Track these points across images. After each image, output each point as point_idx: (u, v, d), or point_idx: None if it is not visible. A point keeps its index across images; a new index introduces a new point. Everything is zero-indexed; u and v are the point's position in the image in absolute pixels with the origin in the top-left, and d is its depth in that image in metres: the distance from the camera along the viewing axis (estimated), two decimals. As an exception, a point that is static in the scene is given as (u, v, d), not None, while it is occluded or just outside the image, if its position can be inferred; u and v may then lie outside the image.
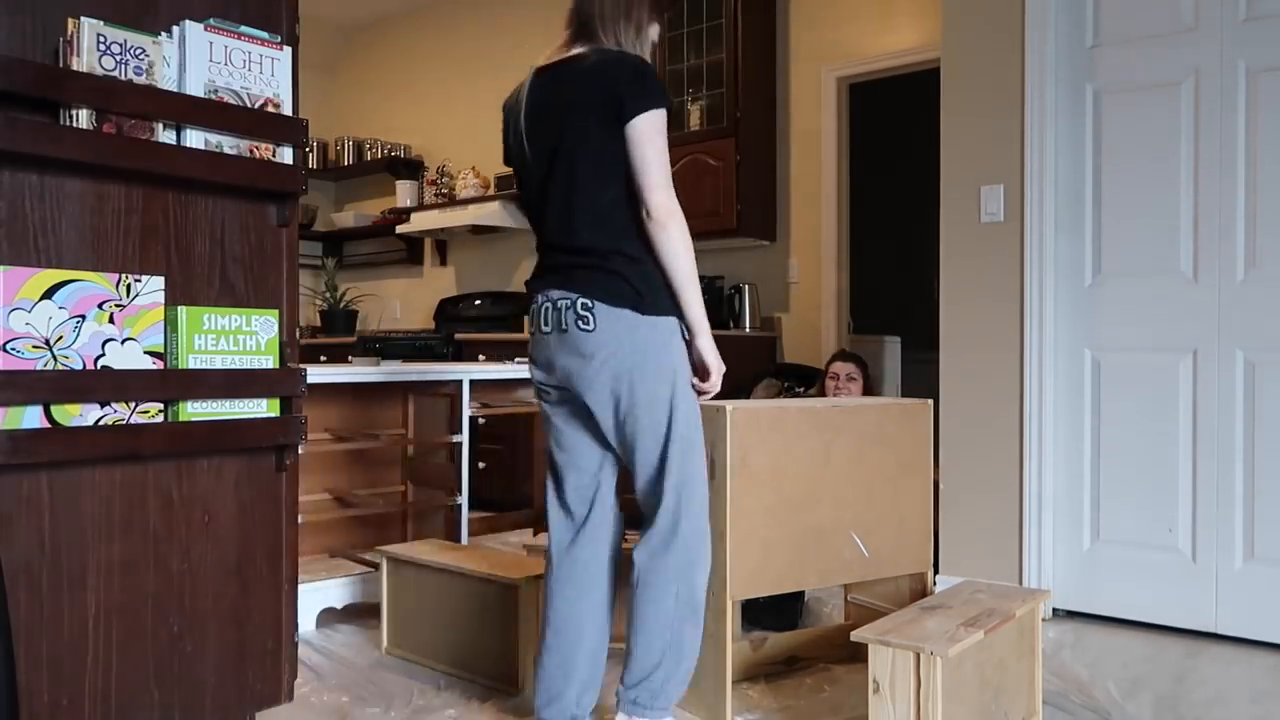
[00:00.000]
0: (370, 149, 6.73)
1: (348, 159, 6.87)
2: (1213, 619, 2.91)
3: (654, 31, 2.17)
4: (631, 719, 2.08)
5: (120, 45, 1.76)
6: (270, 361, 1.96)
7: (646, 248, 2.02)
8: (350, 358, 4.67)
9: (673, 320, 2.04)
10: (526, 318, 2.33)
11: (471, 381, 3.46)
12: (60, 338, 1.68)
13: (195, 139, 1.84)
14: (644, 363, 2.00)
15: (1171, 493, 2.97)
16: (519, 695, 2.45)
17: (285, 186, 1.98)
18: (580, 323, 2.02)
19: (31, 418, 1.64)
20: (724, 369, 2.14)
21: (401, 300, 6.78)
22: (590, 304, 2.01)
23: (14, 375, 1.61)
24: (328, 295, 6.59)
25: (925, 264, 4.50)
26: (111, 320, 1.74)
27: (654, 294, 2.01)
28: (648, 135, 1.99)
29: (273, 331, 1.96)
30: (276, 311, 1.98)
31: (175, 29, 1.85)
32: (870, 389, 4.10)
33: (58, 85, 1.68)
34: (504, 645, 2.51)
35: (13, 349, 1.63)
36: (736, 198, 4.66)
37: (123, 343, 1.75)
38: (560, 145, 2.04)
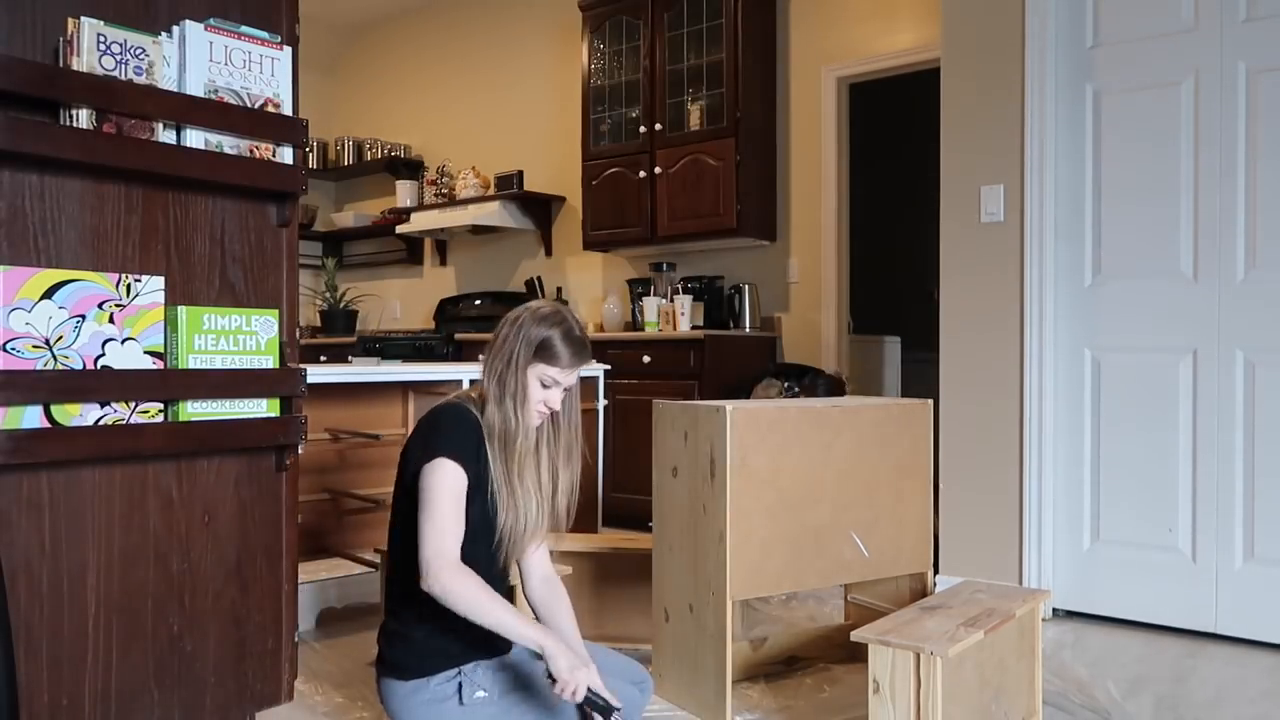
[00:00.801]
0: (370, 149, 6.73)
1: (348, 159, 6.87)
2: (1213, 619, 2.91)
3: (536, 373, 1.95)
4: None
5: (120, 45, 1.76)
6: (270, 361, 1.96)
7: (413, 609, 1.91)
8: (350, 358, 4.66)
9: (426, 680, 1.89)
10: None
11: (471, 381, 3.46)
12: (60, 338, 1.68)
13: (195, 139, 1.84)
14: None
15: (1171, 493, 2.97)
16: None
17: (285, 186, 1.98)
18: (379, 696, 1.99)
19: (31, 418, 1.64)
20: (573, 671, 1.77)
21: (401, 300, 6.78)
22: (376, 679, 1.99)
23: (14, 375, 1.61)
24: (328, 295, 6.58)
25: (925, 264, 4.50)
26: (111, 320, 1.74)
27: (407, 660, 1.91)
28: (420, 491, 1.86)
29: (273, 331, 1.96)
30: (276, 311, 1.98)
31: (175, 29, 1.85)
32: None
33: (58, 85, 1.68)
34: (504, 645, 2.51)
35: (13, 349, 1.63)
36: (736, 198, 4.66)
37: (123, 343, 1.75)
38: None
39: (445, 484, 1.85)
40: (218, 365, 1.87)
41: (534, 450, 1.97)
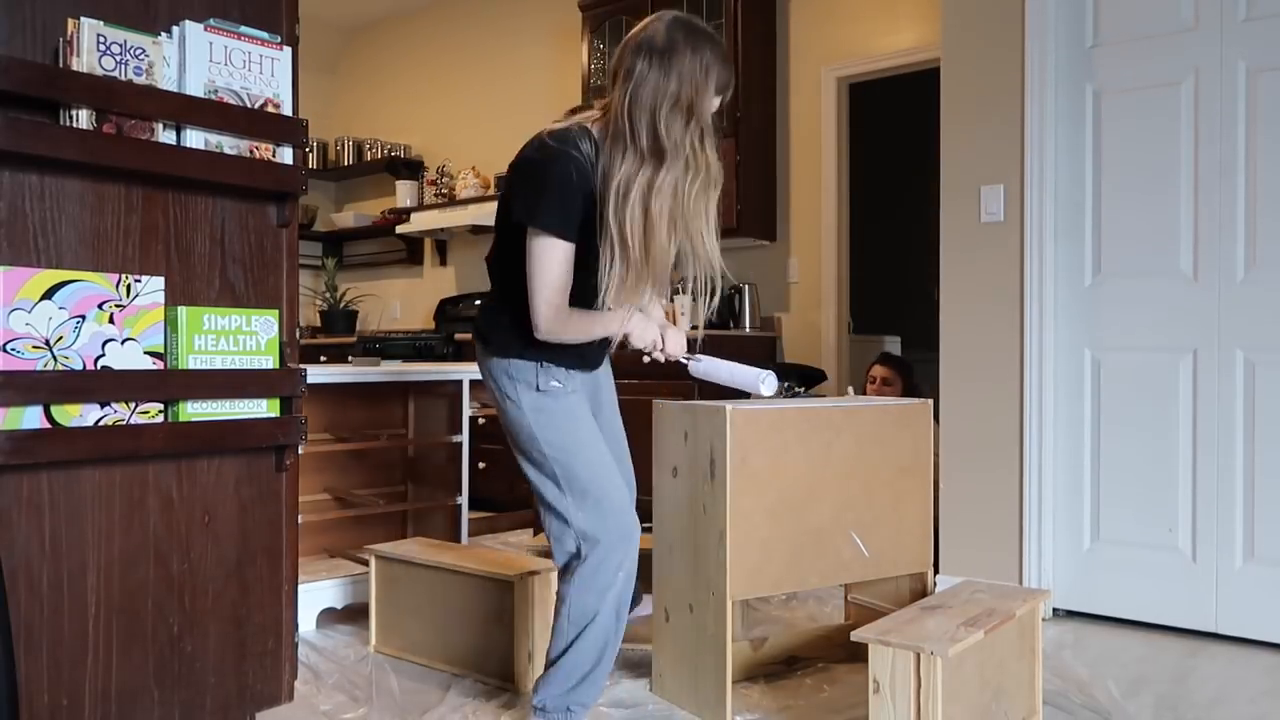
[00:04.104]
0: (370, 149, 6.73)
1: (348, 159, 6.87)
2: (1213, 619, 2.91)
3: (715, 104, 2.04)
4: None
5: (120, 45, 1.76)
6: (270, 361, 1.96)
7: (508, 294, 2.12)
8: (350, 358, 4.67)
9: (508, 362, 2.12)
10: None
11: (471, 381, 3.46)
12: (60, 338, 1.68)
13: (195, 139, 1.84)
14: (496, 396, 2.17)
15: (1171, 492, 2.97)
16: (521, 693, 2.45)
17: (285, 186, 1.98)
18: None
19: (31, 418, 1.64)
20: (654, 336, 2.20)
21: (401, 300, 6.78)
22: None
23: (14, 375, 1.61)
24: (328, 295, 6.59)
25: (925, 264, 4.50)
26: (111, 320, 1.74)
27: (494, 339, 2.15)
28: (528, 255, 2.01)
29: (273, 331, 1.96)
30: (276, 311, 1.98)
31: (175, 29, 1.85)
32: (911, 393, 4.11)
33: (57, 85, 1.68)
34: (502, 643, 2.51)
35: (13, 349, 1.63)
36: (736, 198, 4.66)
37: (123, 343, 1.75)
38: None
39: (540, 258, 1.98)
40: (218, 365, 1.87)
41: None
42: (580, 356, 2.18)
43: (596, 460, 2.11)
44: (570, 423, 2.12)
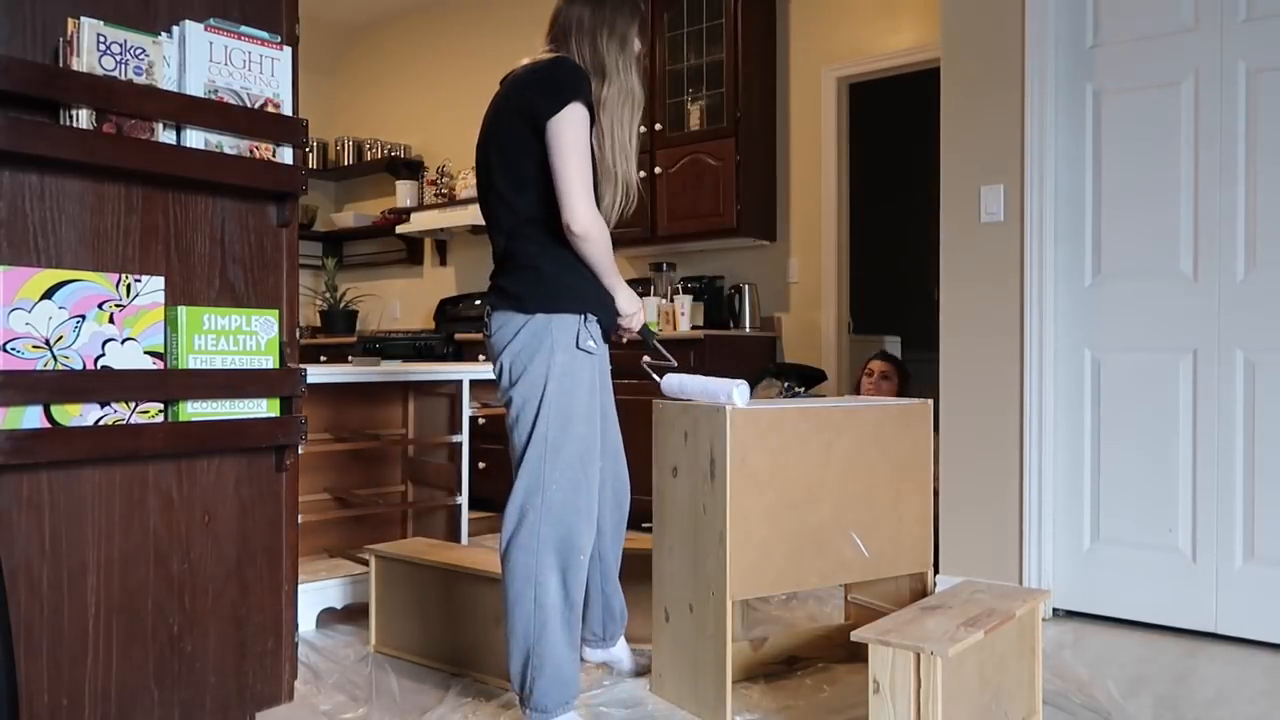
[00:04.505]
0: (370, 149, 6.73)
1: (348, 159, 6.87)
2: (1212, 619, 2.91)
3: (638, 47, 2.26)
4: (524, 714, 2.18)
5: (120, 45, 1.76)
6: (270, 361, 1.96)
7: (544, 250, 2.15)
8: (350, 358, 4.67)
9: (549, 318, 2.12)
10: None
11: (471, 381, 3.46)
12: (60, 338, 1.68)
13: (195, 139, 1.84)
14: (520, 358, 2.14)
15: (1171, 493, 2.97)
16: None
17: (285, 186, 1.98)
18: (487, 330, 2.23)
19: (31, 418, 1.64)
20: (638, 308, 2.30)
21: (401, 300, 6.78)
22: (490, 311, 2.21)
23: (14, 375, 1.61)
24: (328, 295, 6.59)
25: (925, 264, 4.50)
26: (111, 320, 1.74)
27: (535, 295, 2.13)
28: (558, 138, 2.07)
29: (273, 331, 1.96)
30: (276, 311, 1.98)
31: (175, 29, 1.85)
32: (905, 394, 4.14)
33: (57, 85, 1.68)
34: (502, 643, 2.50)
35: (13, 349, 1.63)
36: (736, 198, 4.66)
37: (123, 343, 1.75)
38: (487, 156, 2.22)
39: (579, 138, 2.06)
40: (218, 365, 1.87)
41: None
42: (605, 308, 2.23)
43: (589, 433, 2.18)
44: (586, 395, 2.16)
